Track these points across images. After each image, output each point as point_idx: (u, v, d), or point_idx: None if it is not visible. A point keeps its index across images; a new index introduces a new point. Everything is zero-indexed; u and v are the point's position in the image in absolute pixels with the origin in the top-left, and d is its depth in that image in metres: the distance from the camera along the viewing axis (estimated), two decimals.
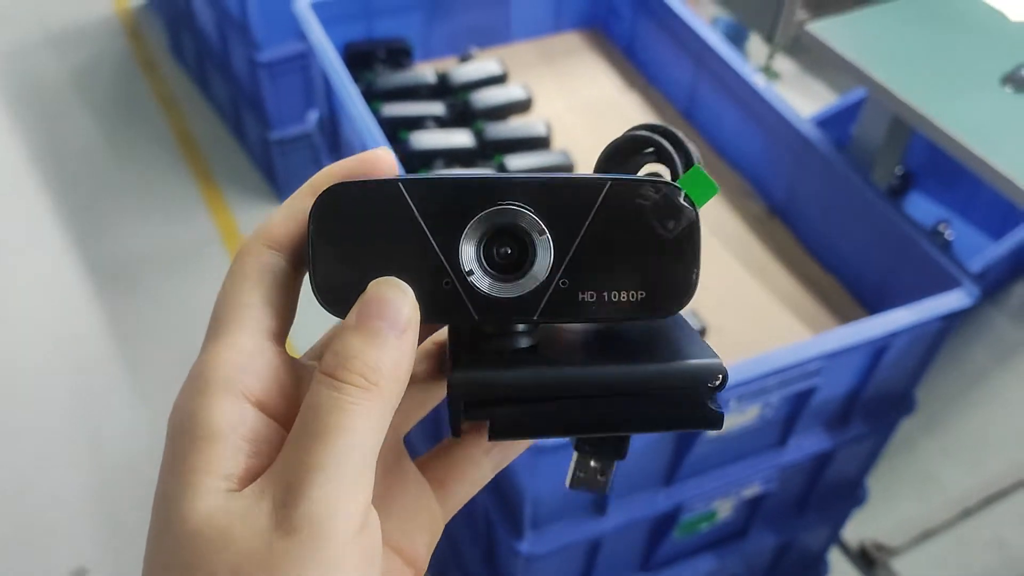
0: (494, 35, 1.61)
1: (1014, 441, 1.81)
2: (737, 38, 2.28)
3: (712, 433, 1.05)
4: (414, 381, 0.31)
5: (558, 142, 1.44)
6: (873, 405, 1.18)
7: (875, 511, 1.57)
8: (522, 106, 1.48)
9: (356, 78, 1.43)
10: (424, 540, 0.32)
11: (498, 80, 1.51)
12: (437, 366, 0.34)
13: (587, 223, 0.29)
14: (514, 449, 0.34)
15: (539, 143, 1.41)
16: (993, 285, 1.90)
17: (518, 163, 1.37)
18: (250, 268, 0.29)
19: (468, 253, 0.29)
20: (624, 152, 0.34)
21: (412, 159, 1.35)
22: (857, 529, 1.62)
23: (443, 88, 1.50)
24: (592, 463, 0.34)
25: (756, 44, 2.34)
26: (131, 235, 2.15)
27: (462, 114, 1.46)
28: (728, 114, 1.40)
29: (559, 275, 0.29)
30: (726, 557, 1.28)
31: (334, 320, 0.30)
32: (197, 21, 2.29)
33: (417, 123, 1.41)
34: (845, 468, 1.30)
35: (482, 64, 1.52)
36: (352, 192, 0.29)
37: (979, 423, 1.82)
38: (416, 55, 1.56)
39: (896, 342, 1.07)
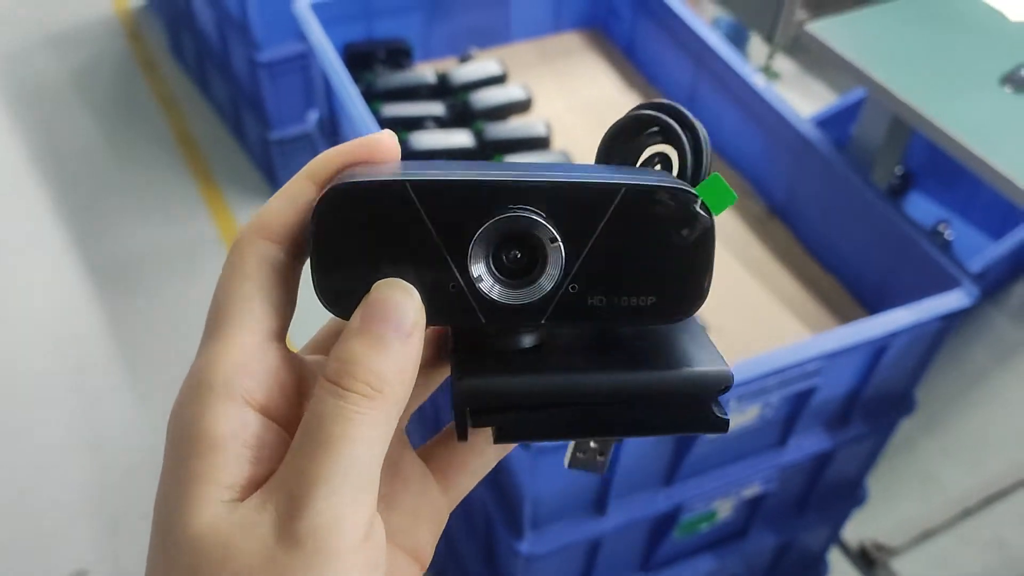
0: (494, 35, 1.61)
1: (1014, 441, 1.81)
2: (738, 39, 2.28)
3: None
4: None
5: (558, 142, 1.44)
6: (873, 405, 1.18)
7: (875, 511, 1.57)
8: (522, 106, 1.48)
9: (356, 78, 1.43)
10: (429, 532, 0.31)
11: (498, 80, 1.51)
12: (437, 352, 0.33)
13: (599, 228, 0.28)
14: None
15: (539, 143, 1.41)
16: (993, 285, 1.90)
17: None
18: (247, 262, 0.28)
19: (477, 259, 0.28)
20: (628, 133, 0.33)
21: (412, 159, 1.35)
22: (857, 529, 1.62)
23: (443, 88, 1.50)
24: (592, 443, 0.33)
25: (756, 44, 2.34)
26: (131, 235, 2.15)
27: (462, 114, 1.46)
28: (728, 114, 1.40)
29: (569, 280, 0.28)
30: (726, 557, 1.28)
31: None
32: (197, 21, 2.29)
33: (417, 123, 1.41)
34: (845, 468, 1.30)
35: (482, 64, 1.52)
36: (357, 192, 0.28)
37: (979, 423, 1.82)
38: (416, 55, 1.56)
39: (896, 342, 1.07)
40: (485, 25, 1.59)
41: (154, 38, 2.71)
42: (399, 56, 1.52)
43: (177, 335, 1.90)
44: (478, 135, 1.41)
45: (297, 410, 0.28)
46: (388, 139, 0.30)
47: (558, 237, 0.28)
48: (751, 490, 1.17)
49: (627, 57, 1.63)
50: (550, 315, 0.29)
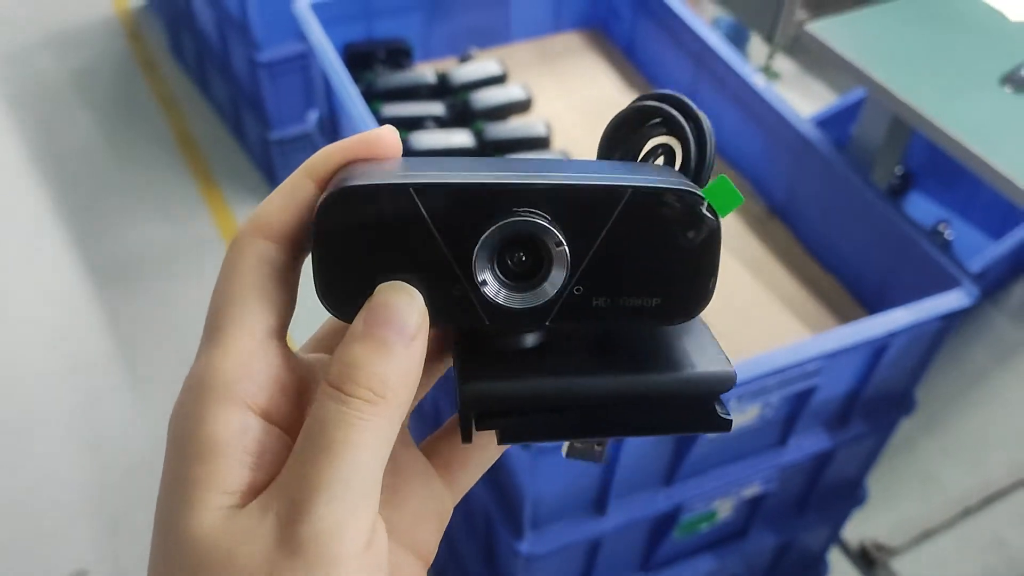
0: (494, 35, 1.61)
1: (1014, 441, 1.81)
2: (738, 39, 2.28)
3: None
4: None
5: (558, 142, 1.44)
6: (873, 405, 1.18)
7: (875, 511, 1.57)
8: (522, 106, 1.48)
9: (356, 78, 1.43)
10: (433, 528, 0.31)
11: (498, 80, 1.51)
12: (438, 344, 0.33)
13: (605, 231, 0.28)
14: None
15: (539, 143, 1.41)
16: (993, 285, 1.90)
17: None
18: (245, 262, 0.28)
19: (482, 263, 0.27)
20: (630, 124, 0.33)
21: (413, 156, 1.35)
22: (857, 529, 1.62)
23: (443, 88, 1.50)
24: None
25: (756, 44, 2.34)
26: (131, 235, 2.15)
27: (462, 114, 1.46)
28: (728, 114, 1.40)
29: (573, 283, 0.28)
30: (726, 557, 1.28)
31: None
32: (197, 21, 2.29)
33: (417, 123, 1.41)
34: (845, 468, 1.30)
35: (482, 64, 1.52)
36: (360, 195, 0.27)
37: (979, 423, 1.82)
38: (416, 55, 1.56)
39: (896, 342, 1.07)
40: (485, 25, 1.59)
41: (154, 38, 2.71)
42: (399, 56, 1.52)
43: (177, 335, 1.90)
44: (478, 135, 1.41)
45: (299, 412, 0.28)
46: (389, 135, 0.30)
47: (563, 241, 0.27)
48: (751, 490, 1.17)
49: (627, 57, 1.63)
50: (554, 317, 0.28)
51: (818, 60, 2.12)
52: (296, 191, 0.29)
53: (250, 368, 0.27)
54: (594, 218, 0.28)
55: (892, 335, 1.04)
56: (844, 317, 1.22)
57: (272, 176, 2.21)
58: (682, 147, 0.32)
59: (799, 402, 1.09)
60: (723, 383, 0.29)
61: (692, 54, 1.46)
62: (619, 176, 0.28)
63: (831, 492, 1.33)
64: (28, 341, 1.93)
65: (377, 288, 0.27)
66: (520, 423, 0.29)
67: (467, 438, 0.29)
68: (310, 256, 0.29)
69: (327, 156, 0.29)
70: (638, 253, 0.28)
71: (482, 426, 0.29)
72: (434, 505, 0.31)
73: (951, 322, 1.08)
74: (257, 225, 0.28)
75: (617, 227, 0.28)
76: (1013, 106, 1.10)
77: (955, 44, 1.19)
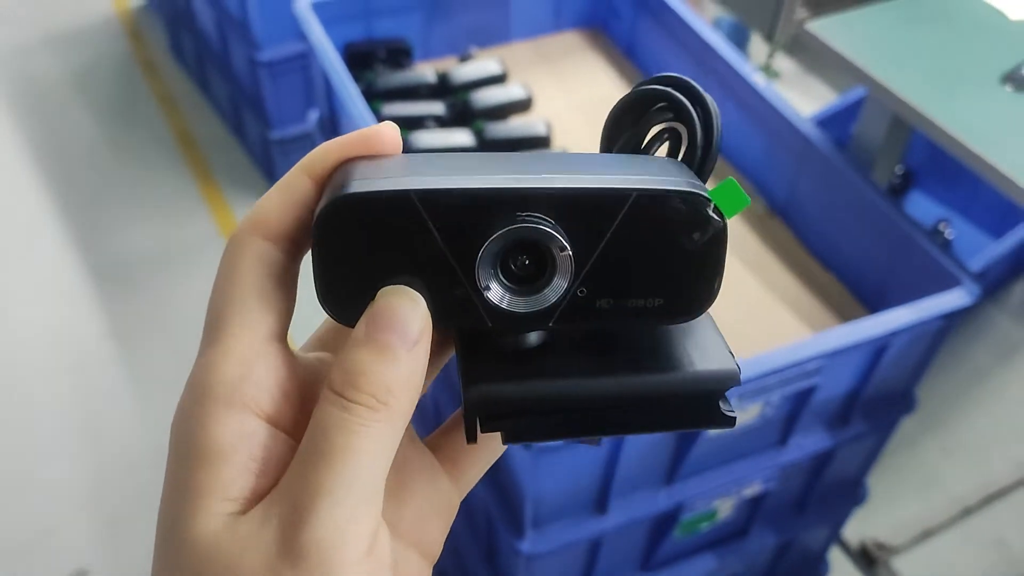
0: (494, 35, 1.61)
1: (1015, 440, 1.81)
2: (739, 38, 2.28)
3: (714, 432, 1.05)
4: None
5: (558, 141, 1.44)
6: (873, 404, 1.18)
7: (876, 510, 1.57)
8: (522, 106, 1.48)
9: (356, 78, 1.43)
10: (439, 524, 0.31)
11: (498, 80, 1.51)
12: (438, 339, 0.32)
13: (609, 234, 0.27)
14: None
15: (539, 142, 1.41)
16: (993, 284, 1.90)
17: None
18: (243, 262, 0.28)
19: (485, 268, 0.27)
20: (634, 111, 0.32)
21: (411, 154, 1.35)
22: (858, 528, 1.62)
23: (443, 88, 1.50)
24: None
25: (757, 43, 2.34)
26: (131, 235, 2.15)
27: (462, 114, 1.46)
28: (729, 113, 1.40)
29: (577, 284, 0.28)
30: (727, 556, 1.28)
31: None
32: (197, 21, 2.29)
33: (417, 123, 1.41)
34: (846, 467, 1.30)
35: (482, 64, 1.52)
36: (362, 202, 0.27)
37: (980, 422, 1.82)
38: (416, 55, 1.56)
39: (896, 341, 1.07)
40: (485, 24, 1.59)
41: (154, 38, 2.71)
42: (399, 55, 1.52)
43: (177, 335, 1.90)
44: (478, 134, 1.41)
45: (302, 415, 0.28)
46: (389, 132, 0.29)
47: (567, 246, 0.27)
48: (752, 489, 1.17)
49: (627, 56, 1.63)
50: (557, 318, 0.28)
51: (818, 59, 2.12)
52: (294, 189, 0.28)
53: (252, 371, 0.27)
54: (598, 222, 0.27)
55: (893, 334, 1.04)
56: (845, 316, 1.22)
57: (272, 175, 2.21)
58: (688, 132, 0.31)
59: (800, 401, 1.09)
60: (727, 381, 0.29)
61: (692, 53, 1.46)
62: (624, 177, 0.28)
63: (832, 491, 1.33)
64: (28, 341, 1.93)
65: (379, 292, 0.27)
66: (525, 423, 0.29)
67: (472, 439, 0.29)
68: (310, 257, 0.28)
69: (325, 153, 0.29)
70: (643, 254, 0.28)
71: (487, 428, 0.28)
72: (440, 501, 0.31)
73: (952, 321, 1.08)
74: (255, 224, 0.28)
75: (622, 230, 0.27)
76: (1014, 105, 1.10)
77: (955, 43, 1.19)
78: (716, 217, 0.28)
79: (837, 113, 1.74)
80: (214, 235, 2.15)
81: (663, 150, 0.33)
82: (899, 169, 1.90)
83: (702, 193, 0.28)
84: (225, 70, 2.21)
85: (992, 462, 1.76)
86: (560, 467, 1.00)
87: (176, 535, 0.25)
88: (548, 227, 0.27)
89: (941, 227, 1.85)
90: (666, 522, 1.16)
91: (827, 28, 1.19)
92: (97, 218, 2.19)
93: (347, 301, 0.27)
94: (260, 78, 1.99)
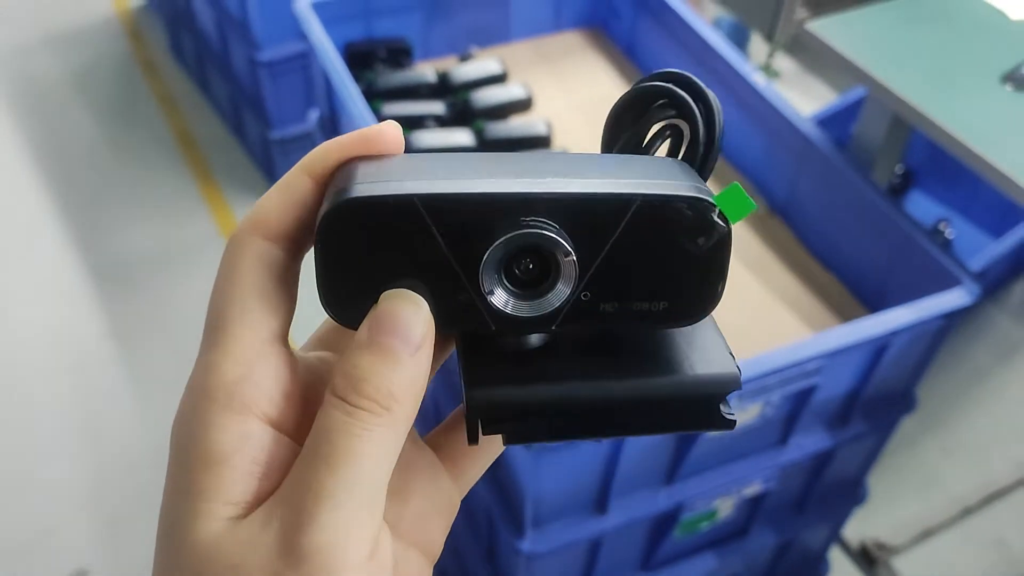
0: (494, 34, 1.61)
1: (1015, 439, 1.81)
2: (739, 38, 2.28)
3: (714, 432, 1.05)
4: None
5: (559, 141, 1.44)
6: (874, 404, 1.18)
7: (876, 510, 1.57)
8: (522, 105, 1.48)
9: (356, 77, 1.43)
10: (441, 522, 0.31)
11: (498, 79, 1.51)
12: (440, 337, 0.33)
13: (614, 239, 0.27)
14: None
15: (540, 142, 1.41)
16: (994, 283, 1.90)
17: None
18: (243, 262, 0.27)
19: (489, 273, 0.27)
20: (635, 108, 0.32)
21: (412, 153, 1.35)
22: (858, 528, 1.62)
23: (443, 87, 1.50)
24: None
25: (757, 43, 2.34)
26: (131, 235, 2.15)
27: (462, 113, 1.46)
28: (729, 113, 1.40)
29: (581, 289, 0.28)
30: (727, 556, 1.28)
31: None
32: (197, 21, 2.29)
33: (418, 122, 1.41)
34: (846, 467, 1.30)
35: (482, 63, 1.52)
36: (365, 207, 0.26)
37: (980, 422, 1.82)
38: (416, 54, 1.56)
39: (896, 341, 1.07)
40: (485, 24, 1.59)
41: (154, 38, 2.71)
42: (399, 55, 1.52)
43: (177, 335, 1.90)
44: (479, 134, 1.41)
45: (303, 415, 0.28)
46: (391, 131, 0.29)
47: (572, 251, 0.27)
48: (752, 489, 1.17)
49: (627, 56, 1.63)
50: (560, 322, 0.28)
51: (818, 59, 2.12)
52: (294, 189, 0.28)
53: (254, 374, 0.27)
54: (603, 227, 0.27)
55: (893, 334, 1.04)
56: (845, 316, 1.22)
57: (272, 175, 2.21)
58: (690, 128, 0.31)
59: (800, 401, 1.09)
60: (727, 385, 0.29)
61: (693, 53, 1.46)
62: (628, 181, 0.28)
63: (832, 491, 1.33)
64: (28, 341, 1.93)
65: (382, 296, 0.27)
66: (526, 425, 0.29)
67: (474, 440, 0.29)
68: (311, 258, 0.28)
69: (326, 153, 0.29)
70: (647, 259, 0.28)
71: (489, 430, 0.28)
72: (441, 500, 0.31)
73: (952, 321, 1.08)
74: (255, 224, 0.28)
75: (626, 235, 0.27)
76: (1014, 104, 1.10)
77: (955, 43, 1.19)
78: (721, 222, 0.27)
79: (837, 113, 1.74)
80: (214, 235, 2.15)
81: (665, 147, 0.33)
82: (899, 169, 1.90)
83: (707, 199, 0.27)
84: (225, 70, 2.21)
85: (992, 462, 1.76)
86: (561, 467, 1.00)
87: (177, 538, 0.25)
88: (552, 232, 0.27)
89: (941, 227, 1.85)
90: (666, 522, 1.16)
91: (827, 28, 1.19)
92: (97, 218, 2.19)
93: (350, 304, 0.27)
94: (260, 78, 1.99)
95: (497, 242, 0.27)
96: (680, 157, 0.32)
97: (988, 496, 1.69)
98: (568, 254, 0.27)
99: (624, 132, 0.32)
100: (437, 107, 1.44)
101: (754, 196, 1.39)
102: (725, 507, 1.19)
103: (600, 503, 1.08)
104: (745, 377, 0.97)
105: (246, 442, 0.26)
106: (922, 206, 1.93)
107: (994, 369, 1.90)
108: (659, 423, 0.29)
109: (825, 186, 1.26)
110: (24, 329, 1.96)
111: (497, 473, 1.08)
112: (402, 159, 0.30)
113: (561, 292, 0.27)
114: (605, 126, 0.33)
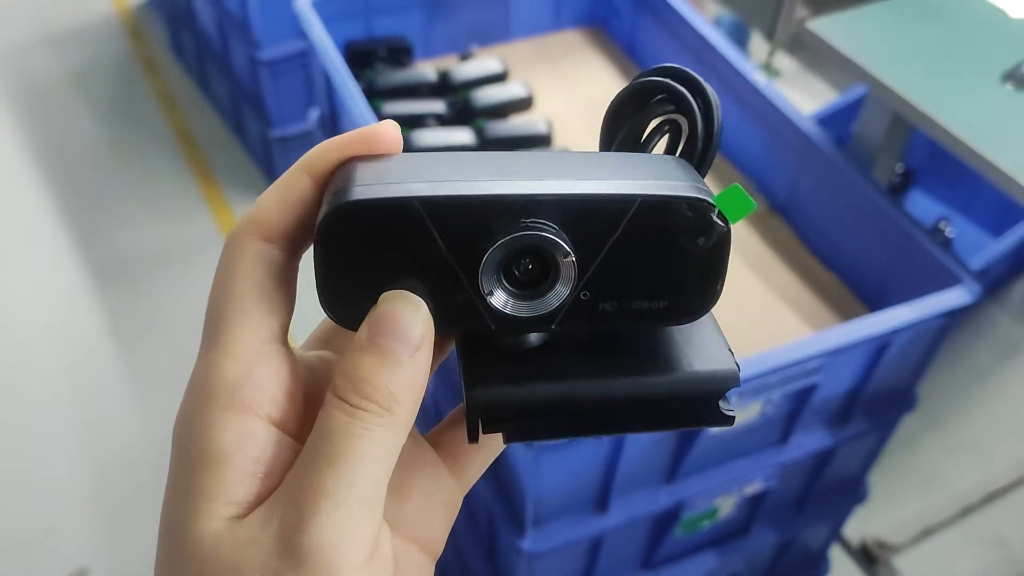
0: (494, 33, 1.61)
1: (1016, 438, 1.81)
2: (739, 37, 2.28)
3: (714, 430, 1.05)
4: None
5: (559, 140, 1.44)
6: (874, 402, 1.18)
7: (877, 508, 1.57)
8: (523, 104, 1.48)
9: (357, 76, 1.43)
10: (442, 521, 0.31)
11: (499, 78, 1.51)
12: (439, 337, 0.33)
13: (613, 239, 0.28)
14: None
15: (540, 141, 1.41)
16: (994, 282, 1.90)
17: None
18: (242, 262, 0.27)
19: (489, 274, 0.27)
20: (634, 103, 0.32)
21: (411, 152, 1.36)
22: (858, 526, 1.62)
23: (444, 86, 1.50)
24: None
25: (757, 42, 2.34)
26: (131, 234, 2.15)
27: (463, 112, 1.46)
28: (729, 112, 1.40)
29: (580, 289, 0.28)
30: (727, 555, 1.28)
31: None
32: (197, 20, 2.29)
33: (418, 121, 1.41)
34: (846, 465, 1.30)
35: (483, 62, 1.52)
36: (365, 209, 0.27)
37: (981, 420, 1.82)
38: (416, 53, 1.56)
39: (897, 339, 1.07)
40: (486, 23, 1.59)
41: (155, 37, 2.71)
42: (400, 54, 1.52)
43: (177, 334, 1.90)
44: (479, 133, 1.41)
45: (303, 414, 0.28)
46: (390, 130, 0.29)
47: (571, 252, 0.27)
48: (753, 487, 1.17)
49: (628, 55, 1.63)
50: (560, 321, 0.28)
51: (819, 57, 2.12)
52: (293, 188, 0.28)
53: (253, 372, 0.27)
54: (603, 228, 0.27)
55: (893, 332, 1.04)
56: (845, 314, 1.22)
57: (273, 174, 2.21)
58: (688, 123, 0.31)
59: (800, 399, 1.08)
60: (726, 382, 0.29)
61: (693, 51, 1.45)
62: (628, 181, 0.28)
63: (832, 489, 1.33)
64: (28, 340, 1.93)
65: (381, 297, 0.27)
66: (526, 424, 0.29)
67: (474, 439, 0.29)
68: (310, 257, 0.28)
69: (325, 152, 0.29)
70: (647, 259, 0.28)
71: (489, 429, 0.29)
72: (443, 497, 0.31)
73: (952, 319, 1.08)
74: (254, 223, 0.28)
75: (626, 235, 0.28)
76: (1014, 103, 1.10)
77: (956, 41, 1.19)
78: (721, 223, 0.28)
79: (838, 111, 1.74)
80: (214, 234, 2.15)
81: (663, 142, 0.33)
82: (899, 167, 1.90)
83: (707, 199, 0.28)
84: (225, 69, 2.21)
85: (993, 461, 1.76)
86: (561, 465, 1.00)
87: (178, 538, 0.25)
88: (552, 234, 0.27)
89: (941, 225, 1.85)
90: (667, 520, 1.16)
91: (827, 26, 1.19)
92: (97, 218, 2.19)
93: (349, 305, 0.27)
94: (260, 77, 1.99)
95: (497, 244, 0.27)
96: (678, 152, 0.32)
97: (989, 495, 1.69)
98: (567, 255, 0.27)
99: (622, 127, 0.32)
100: (437, 106, 1.44)
101: (754, 195, 1.39)
102: (726, 506, 1.19)
103: (601, 502, 1.08)
104: (745, 376, 0.97)
105: (247, 442, 0.26)
106: (922, 205, 1.93)
107: (995, 368, 1.90)
108: (659, 420, 0.29)
109: (825, 185, 1.26)
110: (24, 329, 1.96)
111: (498, 472, 1.08)
112: (401, 159, 0.30)
113: (560, 293, 0.28)
114: (604, 121, 0.32)
